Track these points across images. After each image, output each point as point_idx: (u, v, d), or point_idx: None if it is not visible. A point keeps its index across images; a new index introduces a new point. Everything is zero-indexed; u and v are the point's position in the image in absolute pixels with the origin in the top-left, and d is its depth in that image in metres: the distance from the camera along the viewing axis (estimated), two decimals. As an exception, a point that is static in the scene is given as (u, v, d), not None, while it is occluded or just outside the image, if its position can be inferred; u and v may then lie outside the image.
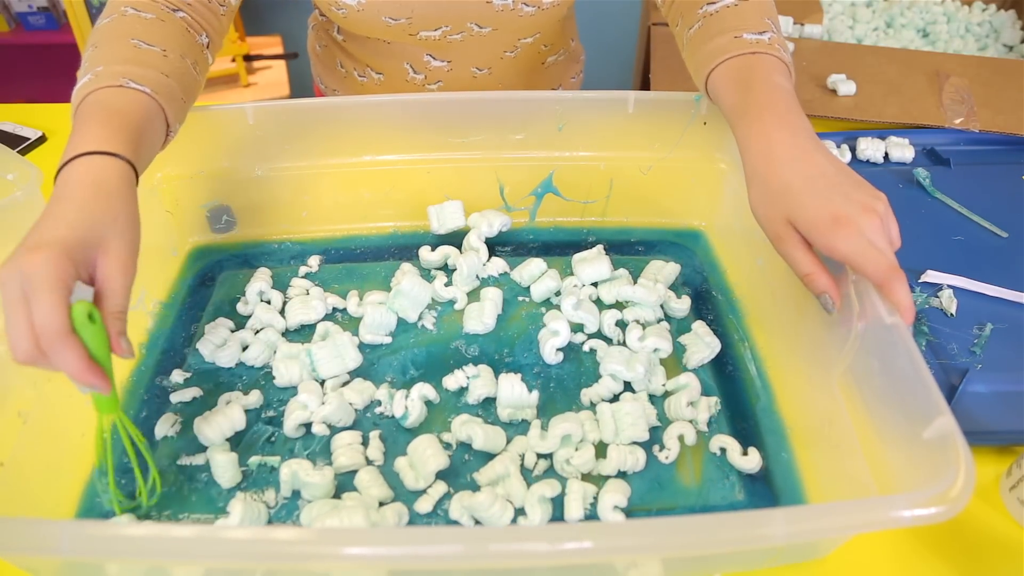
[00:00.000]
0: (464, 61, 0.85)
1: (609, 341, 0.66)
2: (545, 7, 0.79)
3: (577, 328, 0.66)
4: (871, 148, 0.88)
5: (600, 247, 0.73)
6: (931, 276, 0.71)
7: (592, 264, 0.69)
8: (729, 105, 0.57)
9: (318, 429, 0.58)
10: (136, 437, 0.53)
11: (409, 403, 0.59)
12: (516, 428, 0.59)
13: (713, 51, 0.58)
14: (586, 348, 0.65)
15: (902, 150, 0.88)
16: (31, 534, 0.39)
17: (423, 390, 0.60)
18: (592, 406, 0.60)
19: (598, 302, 0.69)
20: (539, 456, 0.56)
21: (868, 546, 0.53)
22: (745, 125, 0.54)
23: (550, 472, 0.56)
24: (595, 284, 0.70)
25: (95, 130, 0.51)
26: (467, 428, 0.56)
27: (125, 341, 0.47)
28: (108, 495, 0.54)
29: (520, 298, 0.70)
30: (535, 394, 0.60)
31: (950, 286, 0.71)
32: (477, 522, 0.52)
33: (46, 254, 0.43)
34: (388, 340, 0.66)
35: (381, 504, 0.53)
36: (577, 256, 0.71)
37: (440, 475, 0.55)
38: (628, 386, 0.61)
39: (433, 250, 0.73)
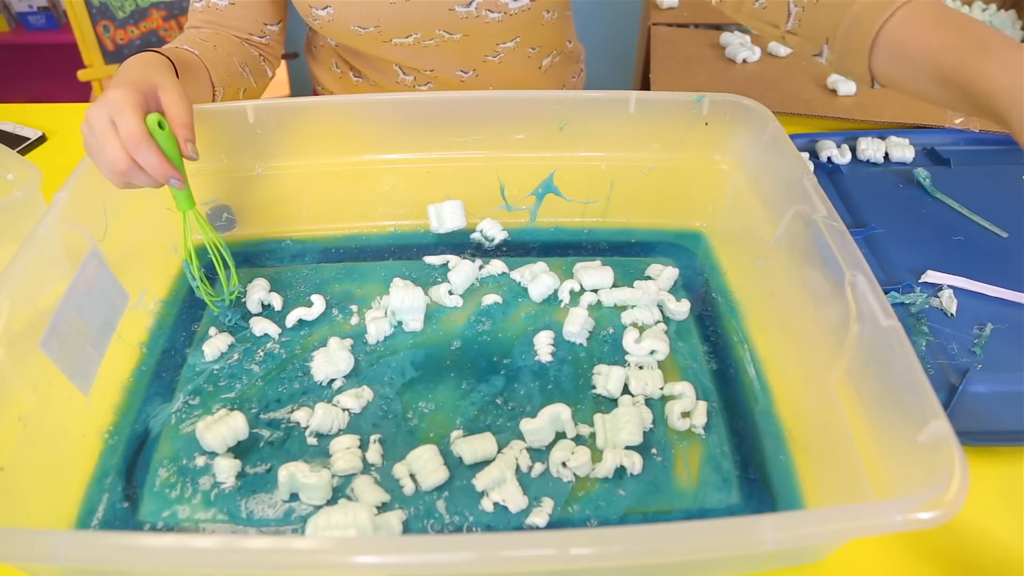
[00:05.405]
0: (447, 65, 0.87)
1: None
2: (512, 12, 0.79)
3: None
4: (871, 148, 0.88)
5: (599, 261, 0.73)
6: (931, 276, 0.71)
7: (597, 271, 0.70)
8: (940, 44, 0.55)
9: (311, 440, 0.59)
10: (206, 229, 0.65)
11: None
12: (511, 431, 0.59)
13: (872, 3, 0.56)
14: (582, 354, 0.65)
15: (902, 150, 0.88)
16: (24, 544, 0.39)
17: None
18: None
19: (597, 305, 0.69)
20: (534, 460, 0.57)
21: (866, 548, 0.53)
22: (986, 59, 0.52)
23: (545, 475, 0.56)
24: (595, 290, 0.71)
25: (145, 51, 0.66)
26: (456, 446, 0.57)
27: (191, 145, 0.59)
28: (196, 284, 0.66)
29: (520, 299, 0.70)
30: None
31: (950, 286, 0.71)
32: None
33: (124, 89, 0.56)
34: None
35: (378, 510, 0.53)
36: (579, 265, 0.72)
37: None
38: (625, 388, 0.61)
39: (436, 253, 0.74)
